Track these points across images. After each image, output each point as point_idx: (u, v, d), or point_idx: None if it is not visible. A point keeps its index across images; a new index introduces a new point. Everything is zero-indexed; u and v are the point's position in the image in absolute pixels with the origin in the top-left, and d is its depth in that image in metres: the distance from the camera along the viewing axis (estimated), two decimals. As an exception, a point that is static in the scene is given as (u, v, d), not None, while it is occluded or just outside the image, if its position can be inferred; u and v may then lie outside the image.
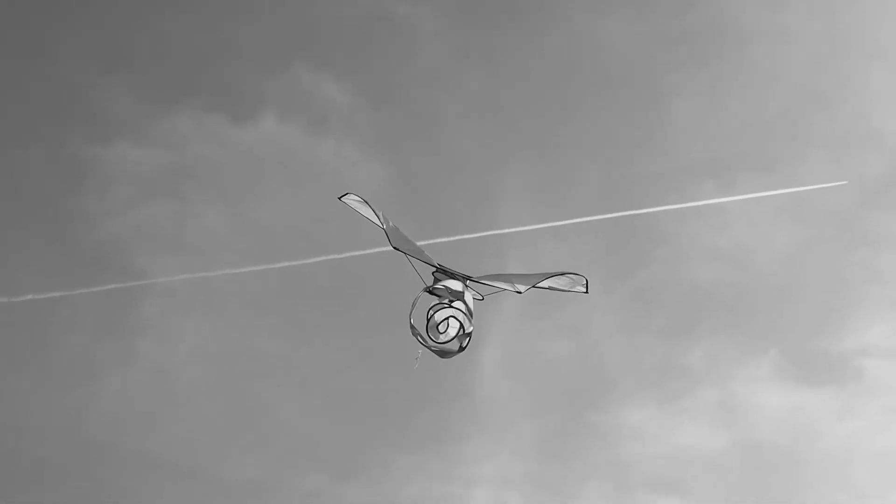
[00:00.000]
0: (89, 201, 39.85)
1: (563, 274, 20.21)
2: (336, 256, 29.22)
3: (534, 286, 20.30)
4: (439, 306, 20.26)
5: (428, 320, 20.21)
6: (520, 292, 20.34)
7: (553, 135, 43.82)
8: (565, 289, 20.37)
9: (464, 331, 20.23)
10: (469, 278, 20.55)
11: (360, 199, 20.58)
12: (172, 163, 41.38)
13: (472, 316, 20.38)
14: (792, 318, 41.99)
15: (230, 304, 39.47)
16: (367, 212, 20.66)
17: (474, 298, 20.75)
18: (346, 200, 20.59)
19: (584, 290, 20.25)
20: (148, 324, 38.55)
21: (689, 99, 43.75)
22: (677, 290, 41.71)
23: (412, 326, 20.13)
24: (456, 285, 20.47)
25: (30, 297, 30.07)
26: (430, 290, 20.58)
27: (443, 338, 20.22)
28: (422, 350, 20.62)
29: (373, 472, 37.40)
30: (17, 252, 38.11)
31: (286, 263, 30.40)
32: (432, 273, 20.66)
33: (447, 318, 20.20)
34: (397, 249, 20.42)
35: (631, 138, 43.95)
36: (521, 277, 20.48)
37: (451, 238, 30.03)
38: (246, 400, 38.44)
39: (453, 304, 20.28)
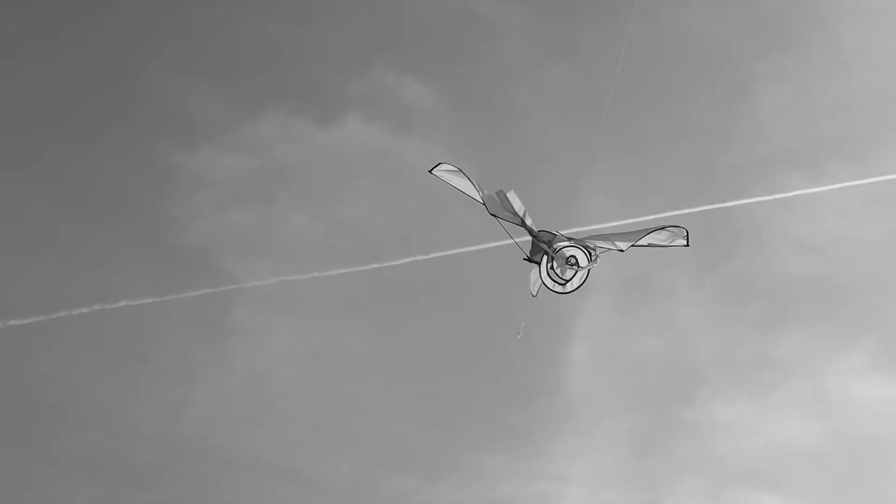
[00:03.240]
0: (179, 207, 40.40)
1: (662, 228, 20.16)
2: (423, 257, 29.28)
3: (635, 244, 20.28)
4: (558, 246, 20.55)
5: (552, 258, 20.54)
6: (622, 251, 20.32)
7: (640, 128, 43.54)
8: (666, 244, 20.33)
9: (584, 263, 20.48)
10: (571, 239, 20.55)
11: (453, 168, 20.53)
12: (259, 167, 41.85)
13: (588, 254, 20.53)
14: (886, 308, 41.37)
15: (320, 307, 39.77)
16: (460, 182, 20.57)
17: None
18: (436, 173, 20.53)
19: (685, 242, 20.26)
20: (240, 327, 39.00)
21: (776, 87, 43.38)
22: (767, 282, 41.33)
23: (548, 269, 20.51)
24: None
25: (123, 303, 30.40)
26: (529, 259, 20.74)
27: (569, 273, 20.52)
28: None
29: (464, 473, 37.53)
30: (110, 258, 38.78)
31: (375, 265, 30.47)
32: (533, 240, 20.67)
33: (572, 254, 20.51)
34: (495, 216, 20.54)
35: (718, 129, 43.66)
36: (620, 236, 20.44)
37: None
38: (337, 400, 38.74)
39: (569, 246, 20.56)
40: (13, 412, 36.22)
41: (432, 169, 20.49)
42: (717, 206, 34.32)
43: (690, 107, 43.85)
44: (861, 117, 43.27)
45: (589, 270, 20.69)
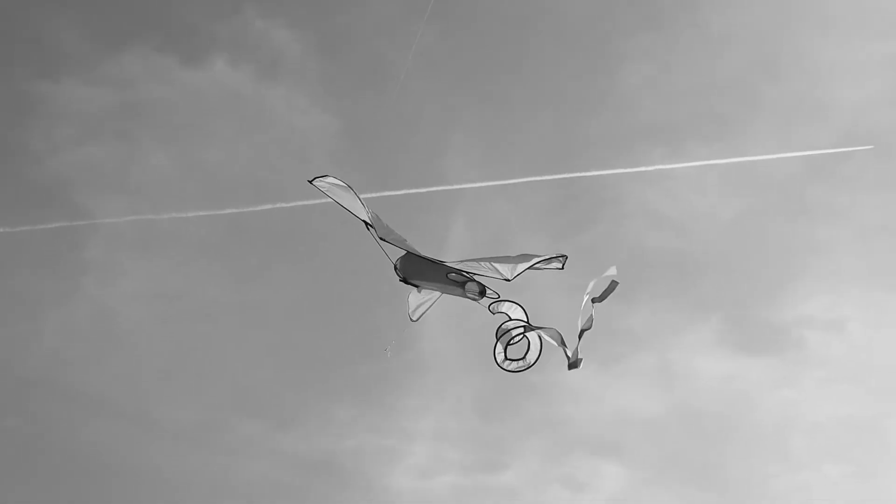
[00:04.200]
0: (36, 138, 39.57)
1: (550, 259, 19.79)
2: (284, 205, 29.19)
3: (520, 273, 19.76)
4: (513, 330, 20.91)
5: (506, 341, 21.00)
6: (508, 280, 19.74)
7: (505, 93, 43.89)
8: (543, 267, 19.98)
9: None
10: (443, 263, 19.85)
11: (340, 182, 18.87)
12: (121, 102, 41.14)
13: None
14: (734, 286, 42.41)
15: (175, 248, 39.41)
16: (346, 198, 18.97)
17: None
18: (318, 184, 18.80)
19: (561, 266, 19.98)
20: (91, 263, 38.45)
21: (641, 63, 44.00)
22: (621, 253, 41.80)
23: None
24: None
25: (-29, 231, 29.78)
26: (405, 281, 20.23)
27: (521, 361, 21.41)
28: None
29: (313, 423, 37.68)
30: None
31: (233, 210, 30.30)
32: (407, 258, 19.84)
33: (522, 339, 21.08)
34: (384, 240, 19.26)
35: (582, 100, 44.17)
36: (501, 260, 19.76)
37: (399, 192, 30.16)
38: (189, 343, 38.50)
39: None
40: None
41: (314, 179, 18.69)
42: (578, 174, 34.89)
43: (558, 76, 44.33)
44: (723, 99, 44.25)
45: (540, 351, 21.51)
